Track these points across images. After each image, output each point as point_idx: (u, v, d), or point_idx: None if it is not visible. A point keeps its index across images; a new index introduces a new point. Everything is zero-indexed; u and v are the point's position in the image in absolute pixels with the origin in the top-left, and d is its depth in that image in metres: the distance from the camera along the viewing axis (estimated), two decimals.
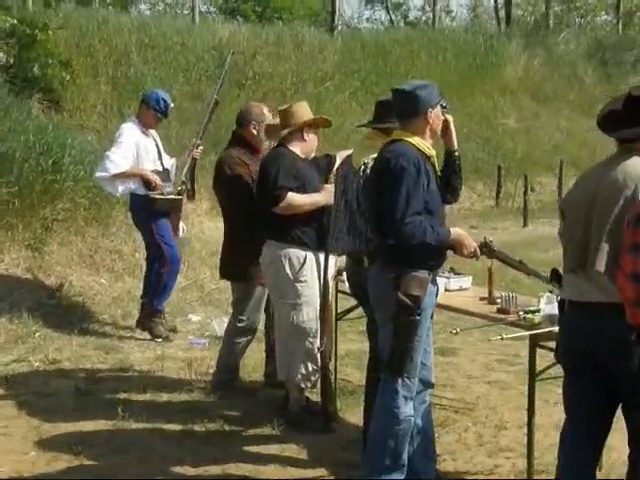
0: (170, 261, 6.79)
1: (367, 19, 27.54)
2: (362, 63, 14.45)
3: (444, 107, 3.97)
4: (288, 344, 4.89)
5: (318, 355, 4.86)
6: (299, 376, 4.88)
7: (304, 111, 4.96)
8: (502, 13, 20.14)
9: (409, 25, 23.87)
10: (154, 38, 12.17)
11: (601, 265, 3.16)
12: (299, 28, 14.88)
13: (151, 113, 6.84)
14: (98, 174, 6.84)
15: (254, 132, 5.52)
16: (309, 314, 4.82)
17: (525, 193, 12.91)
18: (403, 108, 3.90)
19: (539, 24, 19.82)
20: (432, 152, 3.92)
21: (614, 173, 3.22)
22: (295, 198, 4.80)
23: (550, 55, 17.57)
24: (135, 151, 6.70)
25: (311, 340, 4.84)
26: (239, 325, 5.50)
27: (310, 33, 14.69)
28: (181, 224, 7.07)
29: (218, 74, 7.19)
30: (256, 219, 5.09)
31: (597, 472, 3.53)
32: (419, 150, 3.84)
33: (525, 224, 12.65)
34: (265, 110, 5.63)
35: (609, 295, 3.14)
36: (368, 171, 4.27)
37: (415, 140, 3.85)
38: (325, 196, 4.83)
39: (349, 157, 4.63)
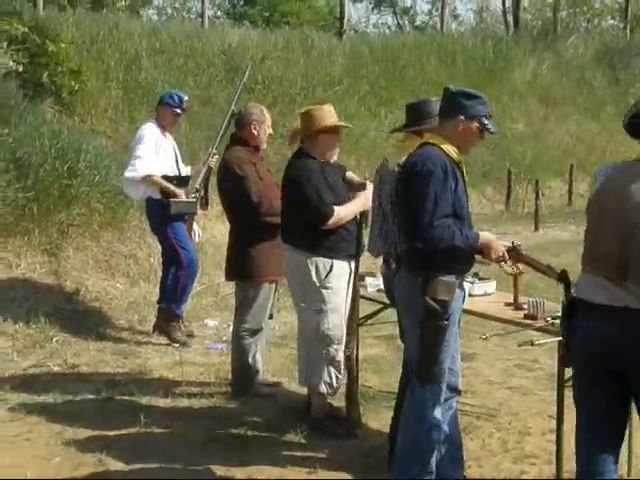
0: (187, 265, 6.77)
1: (374, 24, 27.57)
2: (371, 67, 14.39)
3: (485, 126, 3.85)
4: (311, 350, 4.85)
5: (342, 362, 4.84)
6: (322, 383, 4.84)
7: (322, 115, 4.84)
8: (509, 17, 20.10)
9: (417, 30, 23.85)
10: (164, 43, 12.12)
11: None
12: (308, 33, 14.85)
13: (167, 110, 6.83)
14: (128, 174, 6.69)
15: (254, 132, 5.56)
16: (334, 321, 4.78)
17: (537, 198, 12.88)
18: (442, 106, 3.94)
19: (547, 28, 19.77)
20: (460, 158, 3.91)
21: None
22: (341, 212, 4.74)
23: (558, 59, 17.51)
24: (155, 151, 6.70)
25: (336, 347, 4.80)
26: (245, 327, 5.49)
27: (319, 38, 14.65)
28: (195, 228, 7.08)
29: (236, 86, 7.17)
30: (263, 223, 5.26)
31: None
32: (447, 154, 3.83)
33: (536, 228, 12.63)
34: (265, 111, 5.66)
35: None
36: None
37: (444, 145, 3.84)
38: (362, 203, 4.82)
39: (386, 161, 4.61)
